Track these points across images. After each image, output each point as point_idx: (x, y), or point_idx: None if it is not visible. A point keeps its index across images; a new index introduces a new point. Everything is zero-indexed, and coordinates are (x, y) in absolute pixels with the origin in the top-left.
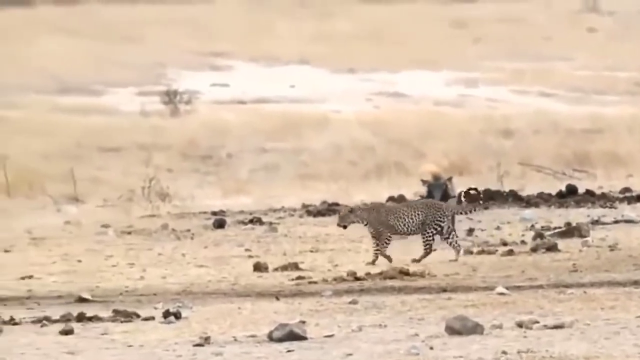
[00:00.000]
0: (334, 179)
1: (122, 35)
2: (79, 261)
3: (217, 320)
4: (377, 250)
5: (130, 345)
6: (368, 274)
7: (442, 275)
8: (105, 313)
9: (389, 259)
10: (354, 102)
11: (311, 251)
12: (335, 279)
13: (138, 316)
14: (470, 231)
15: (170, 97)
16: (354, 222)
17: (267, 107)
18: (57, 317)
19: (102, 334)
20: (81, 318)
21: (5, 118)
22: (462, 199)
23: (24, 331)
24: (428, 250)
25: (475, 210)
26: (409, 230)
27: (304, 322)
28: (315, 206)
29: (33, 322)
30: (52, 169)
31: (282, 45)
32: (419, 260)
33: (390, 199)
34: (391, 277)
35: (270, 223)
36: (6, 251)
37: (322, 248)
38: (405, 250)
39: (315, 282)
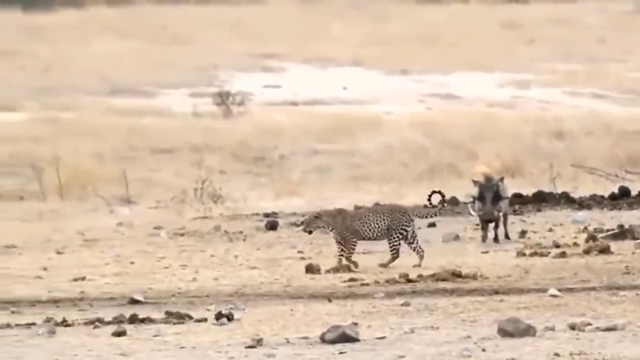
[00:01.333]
0: (386, 181)
1: (175, 37)
2: (132, 263)
3: (269, 322)
4: (342, 255)
5: (182, 347)
6: (420, 275)
7: (494, 278)
8: (158, 315)
9: (355, 264)
10: (407, 104)
11: (363, 253)
12: (387, 281)
13: (190, 318)
14: (523, 233)
15: (223, 98)
16: (319, 227)
17: (320, 109)
18: (110, 319)
19: (155, 336)
20: (134, 320)
21: (58, 119)
22: (429, 202)
23: (77, 333)
24: (395, 255)
25: (438, 213)
26: (375, 235)
27: (356, 323)
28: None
29: (86, 323)
30: (104, 171)
31: (335, 46)
32: (386, 265)
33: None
34: (443, 279)
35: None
36: (59, 253)
37: (374, 250)
38: (457, 252)
39: (367, 284)
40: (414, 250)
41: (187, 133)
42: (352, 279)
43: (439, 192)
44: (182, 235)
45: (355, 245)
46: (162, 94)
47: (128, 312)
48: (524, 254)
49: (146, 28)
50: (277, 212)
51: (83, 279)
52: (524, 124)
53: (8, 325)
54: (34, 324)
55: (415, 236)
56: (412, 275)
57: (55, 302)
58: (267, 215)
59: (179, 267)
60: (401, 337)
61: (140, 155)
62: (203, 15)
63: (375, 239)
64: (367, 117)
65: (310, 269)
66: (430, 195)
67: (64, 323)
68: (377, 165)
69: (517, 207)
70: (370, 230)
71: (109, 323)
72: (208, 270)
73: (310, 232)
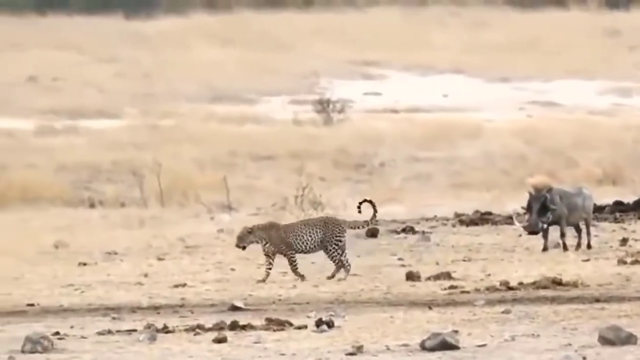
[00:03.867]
0: (486, 188)
1: (276, 44)
2: (232, 269)
3: (369, 329)
4: (269, 268)
5: (282, 354)
6: (521, 283)
7: (595, 285)
8: (258, 321)
9: (302, 277)
10: (507, 111)
11: (464, 260)
12: (487, 289)
13: (291, 325)
14: (624, 241)
15: (323, 105)
16: (253, 242)
17: (420, 116)
18: (210, 326)
19: (255, 343)
20: (234, 326)
21: (159, 126)
22: (358, 211)
23: (178, 339)
24: (339, 264)
25: (370, 223)
26: (308, 248)
27: (456, 331)
28: (468, 215)
29: (186, 330)
30: (205, 177)
31: (435, 54)
32: (331, 277)
33: None
34: (544, 287)
35: (423, 232)
36: (160, 259)
37: (475, 257)
38: (558, 260)
39: (467, 292)
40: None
41: (287, 140)
42: (452, 287)
43: (370, 202)
44: None
45: (293, 255)
46: (262, 101)
47: (229, 318)
48: (625, 262)
49: (247, 35)
50: (377, 219)
51: (184, 285)
52: (625, 132)
53: (109, 332)
54: (134, 330)
55: (344, 249)
56: (513, 283)
57: (156, 308)
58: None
59: (280, 274)
60: (501, 345)
61: (240, 162)
62: (304, 22)
63: (308, 252)
64: (468, 124)
65: (411, 276)
66: (359, 205)
67: (165, 329)
68: (477, 173)
69: (617, 215)
70: (303, 242)
71: (209, 329)
72: (308, 278)
73: (243, 248)
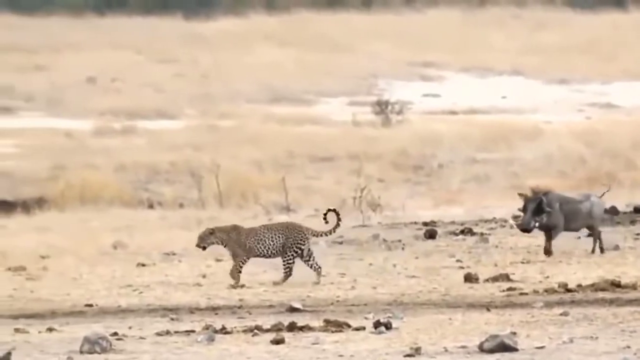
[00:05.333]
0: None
1: (334, 45)
2: None
3: (427, 331)
4: (239, 270)
5: (341, 355)
6: (579, 285)
7: None
8: (316, 323)
9: (238, 281)
10: (566, 113)
11: (522, 262)
12: (546, 291)
13: (349, 326)
14: None
15: (382, 107)
16: (213, 243)
17: (479, 118)
18: (268, 327)
19: (313, 344)
20: (292, 327)
21: (218, 127)
22: (324, 221)
23: (236, 340)
24: (288, 272)
25: (333, 231)
26: (269, 252)
27: (514, 333)
28: None
29: (244, 331)
30: (263, 178)
31: (494, 55)
32: (280, 283)
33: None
34: (602, 289)
35: (482, 234)
36: (218, 260)
37: (533, 259)
38: (617, 262)
39: (526, 294)
40: (310, 267)
41: (346, 141)
42: (510, 289)
43: (334, 211)
44: (340, 243)
45: (245, 262)
46: (321, 102)
47: (287, 320)
48: None
49: (306, 36)
50: (435, 221)
51: (242, 286)
52: None
53: (168, 332)
54: (193, 331)
55: (311, 253)
56: (572, 285)
57: (214, 309)
58: (425, 224)
59: (338, 275)
60: (560, 347)
61: (299, 163)
62: (363, 23)
63: (269, 257)
64: (526, 126)
65: (469, 278)
66: (325, 214)
67: (223, 330)
68: (536, 174)
69: None
70: (264, 247)
71: (267, 331)
72: (366, 279)
73: (204, 248)
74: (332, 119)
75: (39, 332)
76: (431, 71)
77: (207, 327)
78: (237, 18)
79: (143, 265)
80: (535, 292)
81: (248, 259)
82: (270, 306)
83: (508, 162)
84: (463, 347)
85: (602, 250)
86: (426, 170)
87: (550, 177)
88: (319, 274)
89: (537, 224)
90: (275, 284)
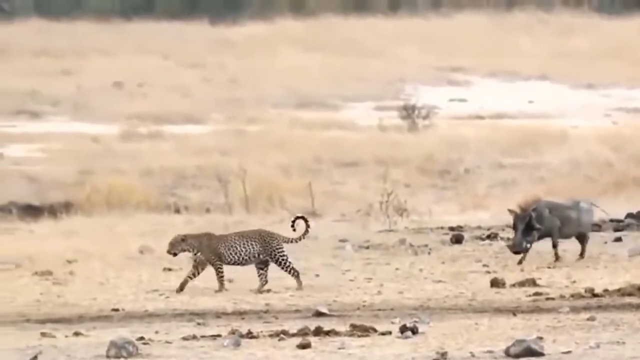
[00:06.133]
0: (571, 195)
1: (361, 50)
2: (317, 275)
3: (454, 336)
4: (191, 278)
5: None
6: (606, 290)
7: None
8: (343, 327)
9: (222, 287)
10: (593, 118)
11: (548, 267)
12: (572, 296)
13: (375, 331)
14: None
15: (408, 111)
16: (184, 250)
17: (505, 123)
18: (295, 331)
19: (339, 348)
20: (318, 332)
21: (245, 132)
22: (292, 229)
23: (262, 345)
24: (295, 273)
25: (303, 238)
26: (240, 259)
27: (541, 338)
28: None
29: (271, 335)
30: (290, 183)
31: (521, 60)
32: (300, 287)
33: (629, 215)
34: (629, 294)
35: (508, 238)
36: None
37: (560, 264)
38: None
39: (552, 299)
40: (259, 275)
41: (372, 146)
42: (537, 293)
43: (302, 218)
44: (367, 248)
45: (221, 267)
46: (347, 107)
47: (313, 324)
48: None
49: (333, 41)
50: (462, 226)
51: (268, 291)
52: None
53: (194, 337)
54: (219, 335)
55: (268, 263)
56: (598, 290)
57: (241, 314)
58: (452, 228)
59: (364, 280)
60: (587, 352)
61: (325, 168)
62: (390, 28)
63: (241, 264)
64: (553, 131)
65: (496, 283)
66: (293, 221)
67: (249, 335)
68: (563, 179)
69: None
70: (236, 254)
71: (293, 335)
72: (393, 284)
73: (174, 255)
74: (358, 124)
75: (66, 336)
76: (458, 76)
77: (233, 332)
78: (263, 23)
79: (169, 269)
80: (562, 297)
81: (222, 265)
82: (297, 311)
83: (535, 167)
84: (489, 352)
85: (582, 255)
86: (453, 175)
87: (577, 181)
88: (263, 284)
89: (529, 245)
90: (298, 289)
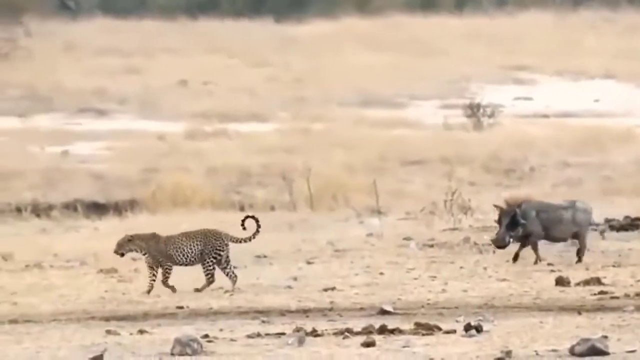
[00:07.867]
0: (637, 194)
1: (426, 48)
2: (381, 273)
3: (518, 334)
4: (153, 280)
5: (431, 358)
6: None
7: None
8: (407, 326)
9: (173, 289)
10: None
11: (613, 266)
12: (637, 295)
13: (439, 329)
14: None
15: (474, 110)
16: (132, 250)
17: (571, 121)
18: (359, 329)
19: (404, 347)
20: (383, 330)
21: (310, 130)
22: (242, 228)
23: (326, 343)
24: (210, 279)
25: (253, 238)
26: (188, 260)
27: (606, 337)
28: (618, 221)
29: (335, 333)
30: (355, 181)
31: (587, 59)
32: (200, 290)
33: None
34: None
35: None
36: (309, 263)
37: (625, 263)
38: None
39: (617, 297)
40: (226, 275)
41: (437, 144)
42: (602, 292)
43: (253, 217)
44: (431, 246)
45: (170, 270)
46: (413, 105)
47: (377, 322)
48: None
49: (398, 39)
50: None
51: (333, 289)
52: None
53: (258, 335)
54: (283, 333)
55: (229, 261)
56: None
57: (305, 312)
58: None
59: (428, 278)
60: None
61: (390, 167)
62: (455, 26)
63: (188, 264)
64: (619, 130)
65: (560, 282)
66: (243, 221)
67: (314, 333)
68: (629, 179)
69: None
70: (183, 255)
71: (358, 333)
72: (457, 282)
73: (122, 255)
74: (423, 122)
75: (130, 334)
76: (523, 74)
77: (297, 330)
78: (328, 21)
79: (234, 267)
80: (627, 295)
81: (171, 267)
82: (361, 309)
83: (600, 166)
84: (554, 350)
85: (579, 259)
86: (518, 173)
87: None
88: (234, 282)
89: (512, 239)
90: (197, 290)
